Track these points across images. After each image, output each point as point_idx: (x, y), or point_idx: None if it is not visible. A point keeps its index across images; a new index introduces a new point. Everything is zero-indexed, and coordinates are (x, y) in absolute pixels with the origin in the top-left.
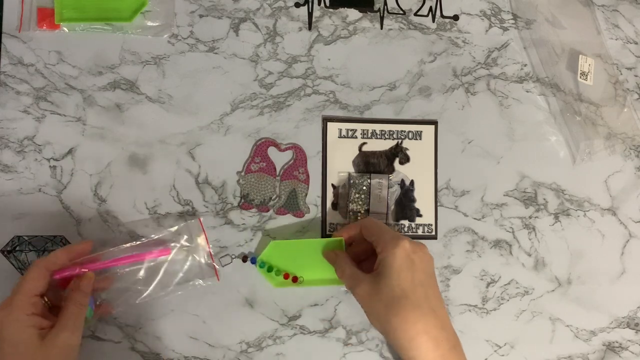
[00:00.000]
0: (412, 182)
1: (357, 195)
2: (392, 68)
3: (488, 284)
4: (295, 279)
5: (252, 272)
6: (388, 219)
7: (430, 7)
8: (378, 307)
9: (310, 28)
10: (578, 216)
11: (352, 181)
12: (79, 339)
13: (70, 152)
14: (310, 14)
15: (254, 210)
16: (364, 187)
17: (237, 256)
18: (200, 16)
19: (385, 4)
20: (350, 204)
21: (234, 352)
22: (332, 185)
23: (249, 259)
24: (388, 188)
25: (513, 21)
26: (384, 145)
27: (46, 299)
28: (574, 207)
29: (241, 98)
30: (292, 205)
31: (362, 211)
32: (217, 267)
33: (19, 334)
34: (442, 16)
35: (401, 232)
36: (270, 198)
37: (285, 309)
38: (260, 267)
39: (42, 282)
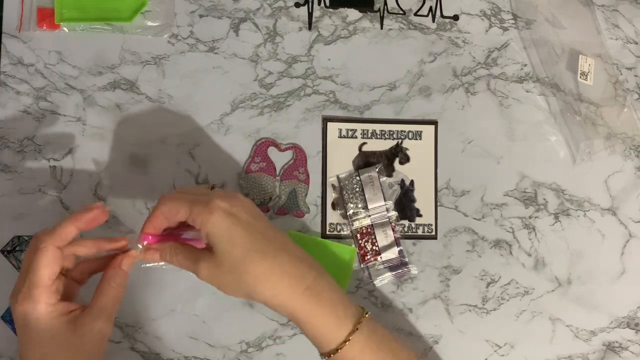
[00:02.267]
0: (412, 182)
1: (351, 196)
2: (392, 68)
3: (488, 284)
4: None
5: None
6: (389, 212)
7: (430, 7)
8: (230, 279)
9: (310, 28)
10: (578, 216)
11: (342, 184)
12: (112, 325)
13: (70, 152)
14: (310, 14)
15: None
16: (355, 185)
17: None
18: (200, 16)
19: (385, 4)
20: (348, 206)
21: (234, 352)
22: (332, 185)
23: None
24: (379, 178)
25: (513, 21)
26: (384, 145)
27: (64, 271)
28: (574, 207)
29: (241, 98)
30: (292, 205)
31: (362, 209)
32: None
33: (48, 329)
34: (442, 16)
35: (401, 232)
36: (270, 198)
37: None
38: None
39: (57, 265)
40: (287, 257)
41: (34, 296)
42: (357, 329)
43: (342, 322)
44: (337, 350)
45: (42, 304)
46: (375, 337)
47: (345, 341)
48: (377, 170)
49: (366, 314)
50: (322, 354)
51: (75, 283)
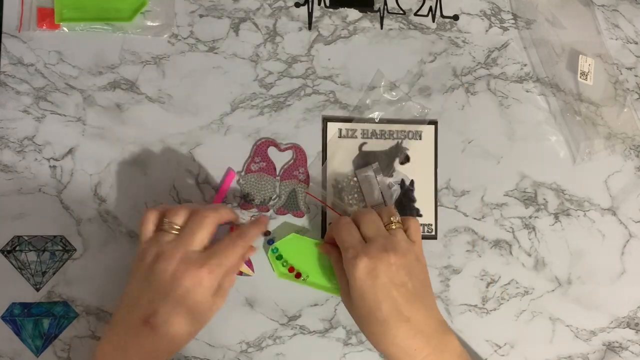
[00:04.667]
0: (412, 182)
1: (350, 197)
2: (392, 68)
3: (488, 284)
4: (298, 275)
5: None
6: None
7: (430, 7)
8: (354, 316)
9: (310, 28)
10: (578, 216)
11: (340, 186)
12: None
13: (70, 152)
14: (310, 14)
15: (254, 210)
16: (353, 185)
17: (263, 233)
18: (200, 16)
19: (385, 4)
20: (348, 208)
21: (234, 352)
22: (332, 185)
23: (269, 237)
24: (376, 177)
25: (513, 21)
26: (384, 145)
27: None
28: (574, 207)
29: (241, 98)
30: (292, 205)
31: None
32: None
33: (205, 302)
34: (442, 16)
35: None
36: (270, 198)
37: (285, 309)
38: (273, 252)
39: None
40: (406, 330)
41: (203, 273)
42: None
43: None
44: None
45: (211, 281)
46: None
47: None
48: (373, 169)
49: None
50: None
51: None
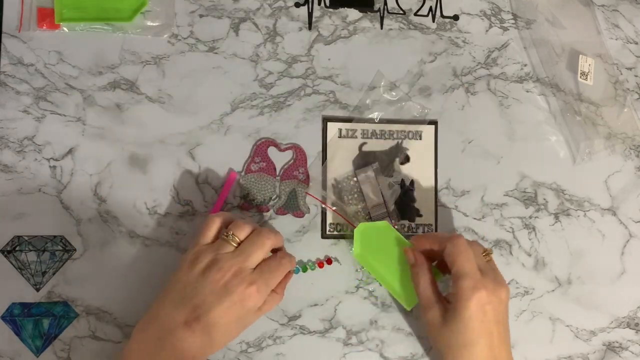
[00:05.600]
0: (412, 182)
1: (350, 197)
2: (392, 68)
3: None
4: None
5: None
6: (388, 208)
7: (430, 7)
8: (442, 340)
9: (310, 28)
10: (578, 216)
11: (340, 185)
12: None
13: (70, 152)
14: (310, 14)
15: (254, 210)
16: (353, 185)
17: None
18: (200, 16)
19: (385, 4)
20: (348, 208)
21: (234, 352)
22: (332, 185)
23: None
24: (376, 177)
25: (513, 21)
26: (384, 145)
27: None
28: (574, 207)
29: (241, 98)
30: (292, 205)
31: (360, 209)
32: None
33: (247, 317)
34: (442, 16)
35: (401, 232)
36: (270, 198)
37: (285, 309)
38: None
39: None
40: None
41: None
42: None
43: None
44: None
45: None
46: None
47: None
48: (373, 169)
49: None
50: None
51: None
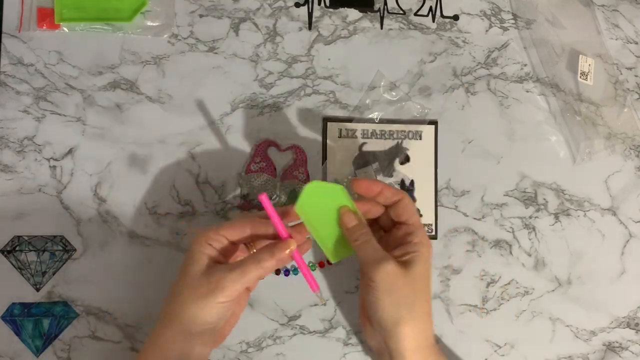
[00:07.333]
0: (412, 182)
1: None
2: (392, 68)
3: (488, 284)
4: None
5: None
6: None
7: (430, 7)
8: (401, 290)
9: (310, 28)
10: (578, 216)
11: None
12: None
13: (70, 152)
14: (310, 14)
15: (254, 210)
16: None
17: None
18: (200, 16)
19: (385, 4)
20: None
21: (234, 352)
22: None
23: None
24: (376, 177)
25: (513, 21)
26: (384, 145)
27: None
28: (574, 207)
29: (241, 98)
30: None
31: None
32: None
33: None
34: (442, 16)
35: None
36: (270, 198)
37: (285, 309)
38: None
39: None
40: (429, 322)
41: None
42: None
43: None
44: None
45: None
46: None
47: None
48: (373, 169)
49: None
50: None
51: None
